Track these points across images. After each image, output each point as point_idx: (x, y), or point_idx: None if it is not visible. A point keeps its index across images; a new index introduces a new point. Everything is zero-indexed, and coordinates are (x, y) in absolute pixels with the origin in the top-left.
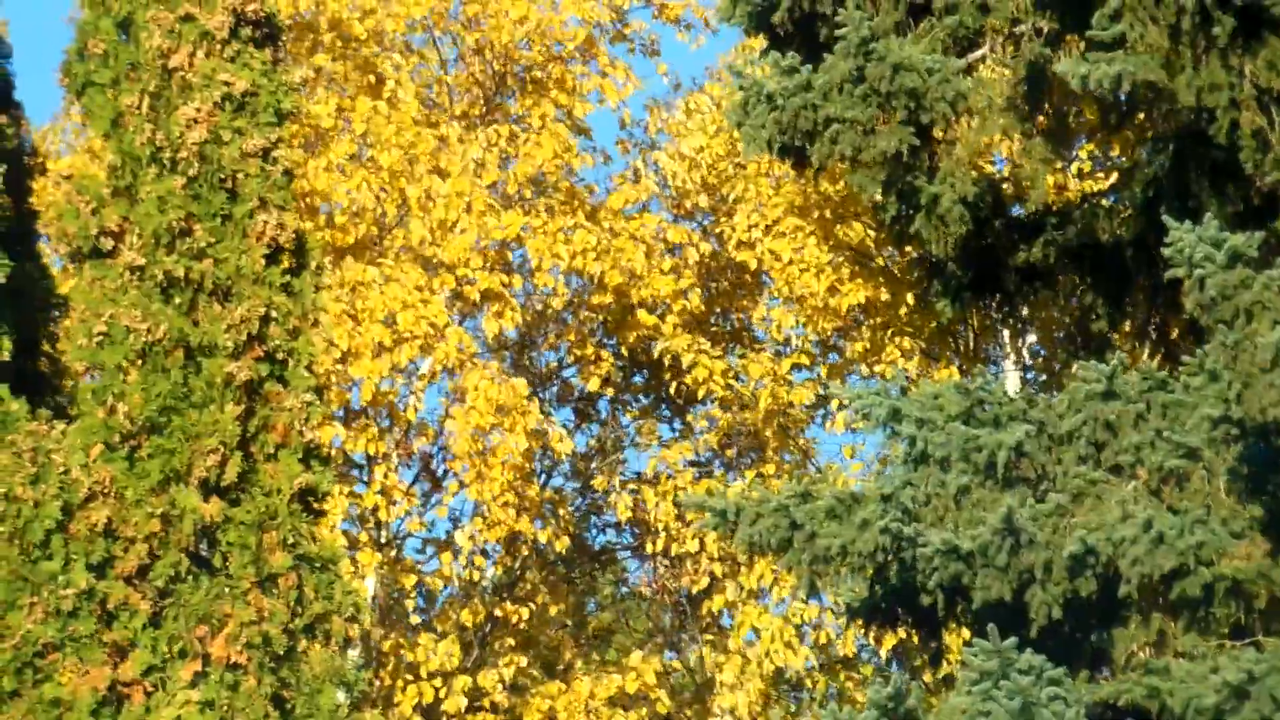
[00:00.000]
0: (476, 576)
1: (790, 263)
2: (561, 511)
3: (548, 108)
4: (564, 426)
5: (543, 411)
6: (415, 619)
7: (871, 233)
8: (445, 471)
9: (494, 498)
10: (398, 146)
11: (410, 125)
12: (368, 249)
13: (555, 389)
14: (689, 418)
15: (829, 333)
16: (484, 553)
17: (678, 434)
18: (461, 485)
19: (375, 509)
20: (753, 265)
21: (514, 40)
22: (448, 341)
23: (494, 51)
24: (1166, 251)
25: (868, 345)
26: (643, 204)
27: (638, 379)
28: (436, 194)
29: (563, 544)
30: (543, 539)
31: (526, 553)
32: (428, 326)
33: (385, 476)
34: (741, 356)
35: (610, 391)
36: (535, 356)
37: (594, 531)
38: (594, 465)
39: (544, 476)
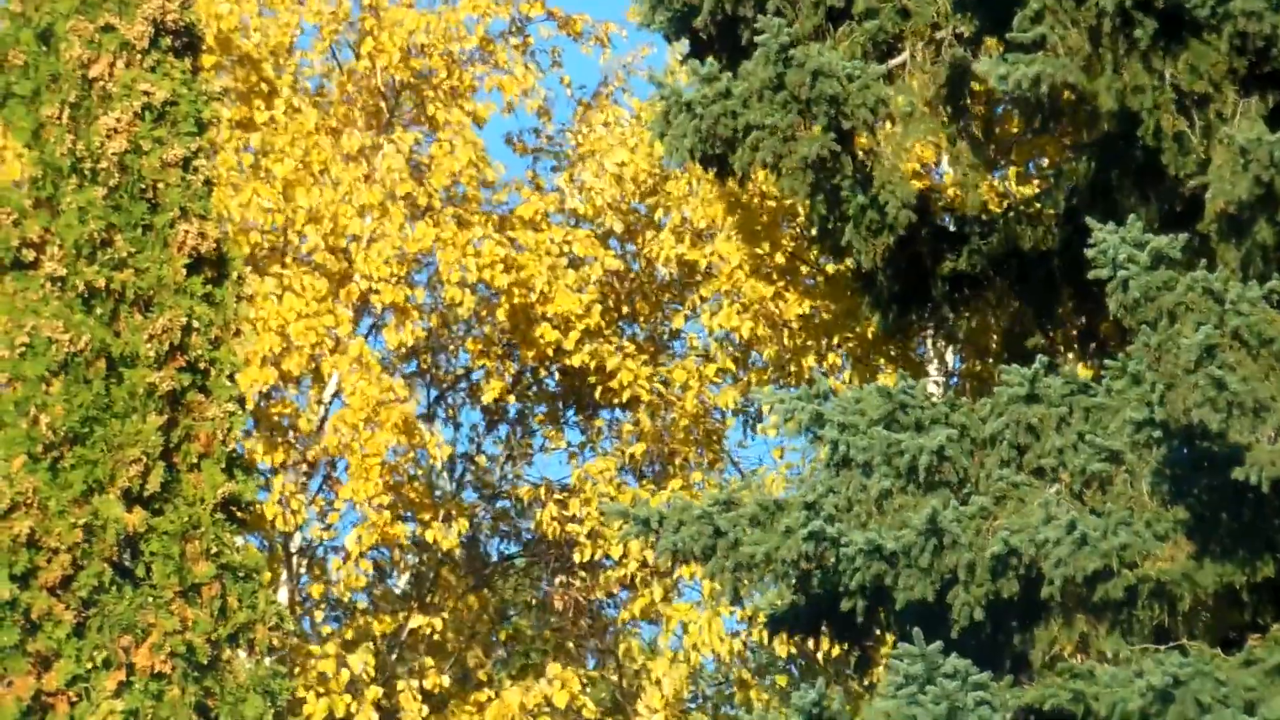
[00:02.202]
0: (363, 582)
1: (739, 265)
2: (457, 515)
3: (458, 115)
4: (473, 430)
5: (445, 416)
6: (327, 629)
7: (804, 240)
8: (329, 476)
9: (369, 499)
10: (291, 156)
11: (308, 134)
12: (272, 261)
13: (464, 392)
14: (598, 422)
15: (768, 338)
16: (378, 557)
17: (585, 436)
18: (336, 487)
19: (274, 520)
20: (702, 263)
21: (410, 47)
22: (348, 353)
23: (390, 61)
24: (1090, 253)
25: (813, 358)
26: (547, 213)
27: (550, 383)
28: (331, 204)
29: (450, 543)
30: (428, 538)
31: (413, 558)
32: (326, 335)
33: (284, 487)
34: (661, 365)
35: (511, 399)
36: (440, 362)
37: (498, 541)
38: (502, 473)
39: (430, 479)
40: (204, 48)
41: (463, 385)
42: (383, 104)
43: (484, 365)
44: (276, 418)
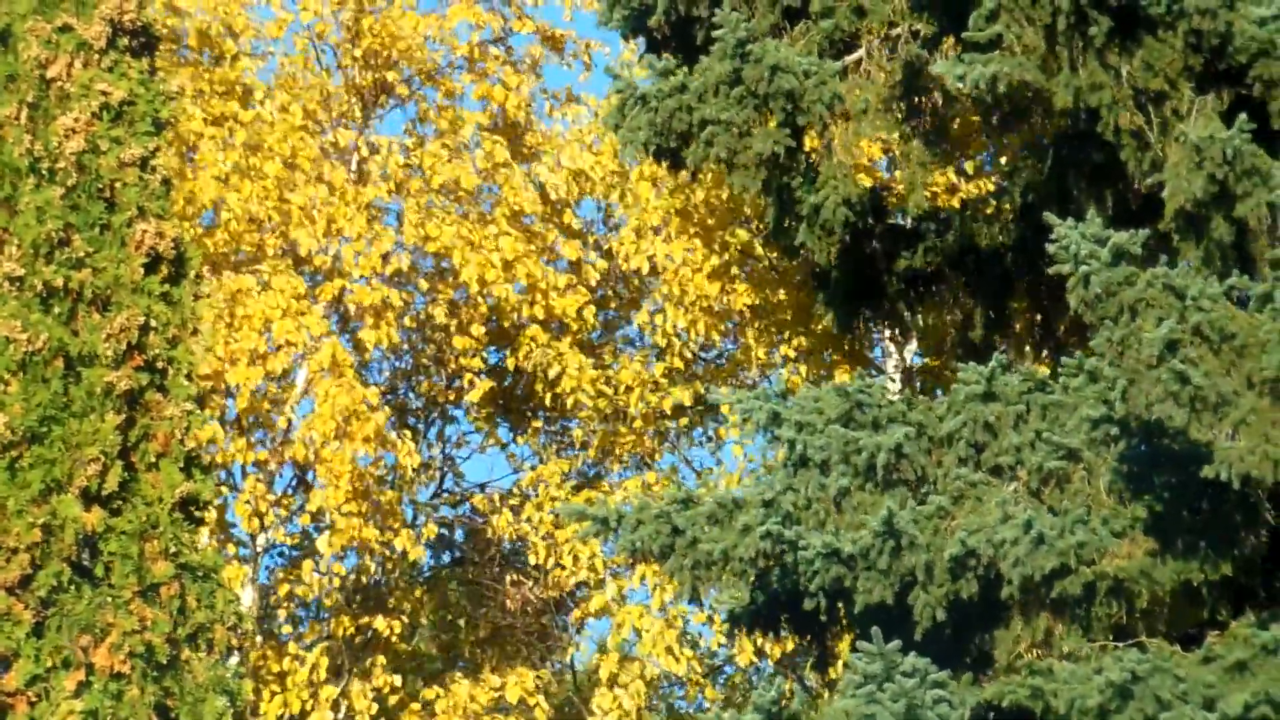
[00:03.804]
0: (336, 583)
1: (684, 263)
2: (424, 525)
3: (450, 114)
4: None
5: (401, 423)
6: (288, 628)
7: (757, 236)
8: (306, 479)
9: (338, 506)
10: (279, 155)
11: (294, 132)
12: (254, 260)
13: (403, 395)
14: (536, 423)
15: (720, 334)
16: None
17: (518, 434)
18: (307, 487)
19: (239, 520)
20: (645, 269)
21: (401, 49)
22: (321, 352)
23: (380, 60)
24: (1051, 249)
25: (762, 351)
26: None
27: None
28: (321, 203)
29: (418, 553)
30: (398, 545)
31: (384, 563)
32: (305, 335)
33: (254, 488)
34: (607, 367)
35: (451, 398)
36: (387, 367)
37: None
38: (432, 476)
39: (392, 487)
40: (185, 44)
41: (404, 387)
42: (356, 105)
43: (465, 367)
44: (255, 415)
